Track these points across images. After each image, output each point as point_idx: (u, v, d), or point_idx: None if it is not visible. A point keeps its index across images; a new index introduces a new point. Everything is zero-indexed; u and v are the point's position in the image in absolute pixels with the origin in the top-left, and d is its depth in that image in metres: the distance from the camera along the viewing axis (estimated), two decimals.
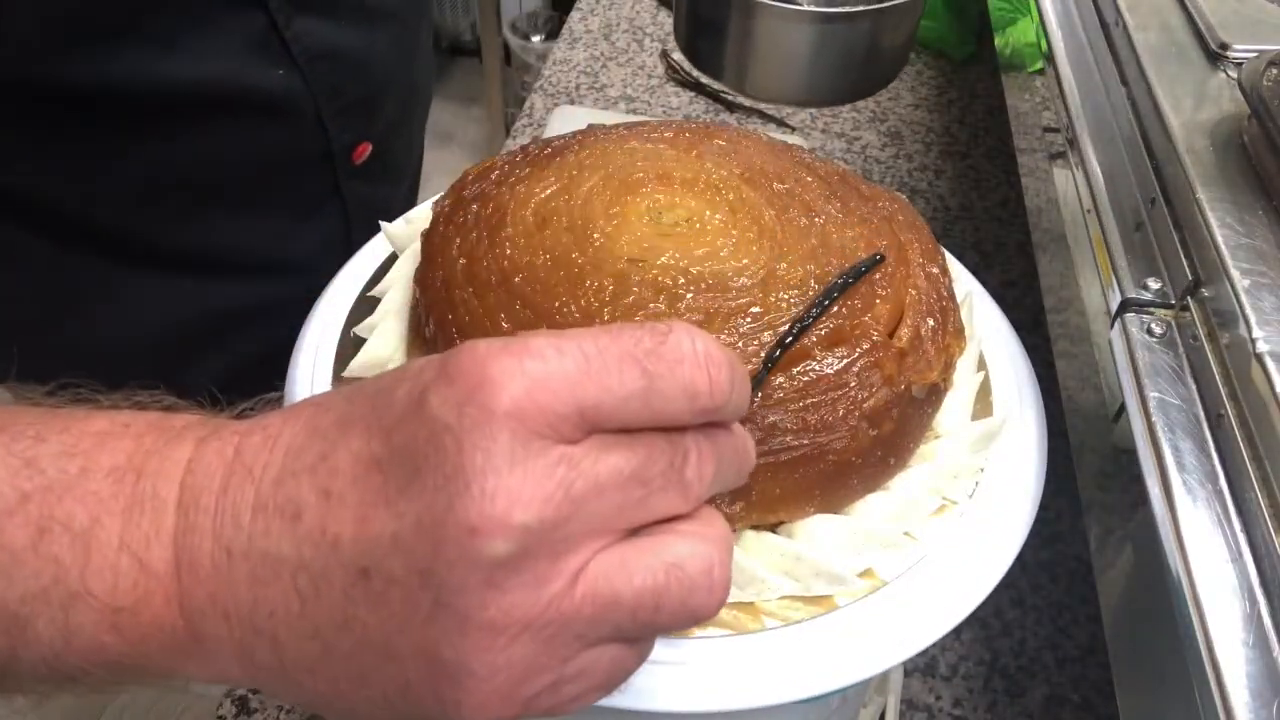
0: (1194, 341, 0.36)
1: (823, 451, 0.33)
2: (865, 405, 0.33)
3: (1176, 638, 0.29)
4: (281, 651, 0.24)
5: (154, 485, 0.25)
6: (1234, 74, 0.45)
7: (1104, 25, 0.52)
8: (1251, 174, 0.39)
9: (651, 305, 0.33)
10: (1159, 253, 0.40)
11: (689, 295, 0.34)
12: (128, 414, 0.27)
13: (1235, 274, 0.35)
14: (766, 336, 0.33)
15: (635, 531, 0.24)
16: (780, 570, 0.33)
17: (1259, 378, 0.32)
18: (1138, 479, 0.33)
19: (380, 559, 0.22)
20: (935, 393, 0.36)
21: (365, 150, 0.65)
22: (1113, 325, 0.38)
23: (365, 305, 0.42)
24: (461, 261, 0.36)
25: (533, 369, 0.22)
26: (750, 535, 0.33)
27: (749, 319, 0.33)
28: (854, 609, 0.33)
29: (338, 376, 0.39)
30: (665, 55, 1.07)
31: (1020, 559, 0.35)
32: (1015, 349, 0.43)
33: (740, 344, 0.33)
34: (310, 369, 0.39)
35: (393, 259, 0.44)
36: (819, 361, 0.33)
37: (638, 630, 0.24)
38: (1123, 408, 0.36)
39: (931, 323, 0.37)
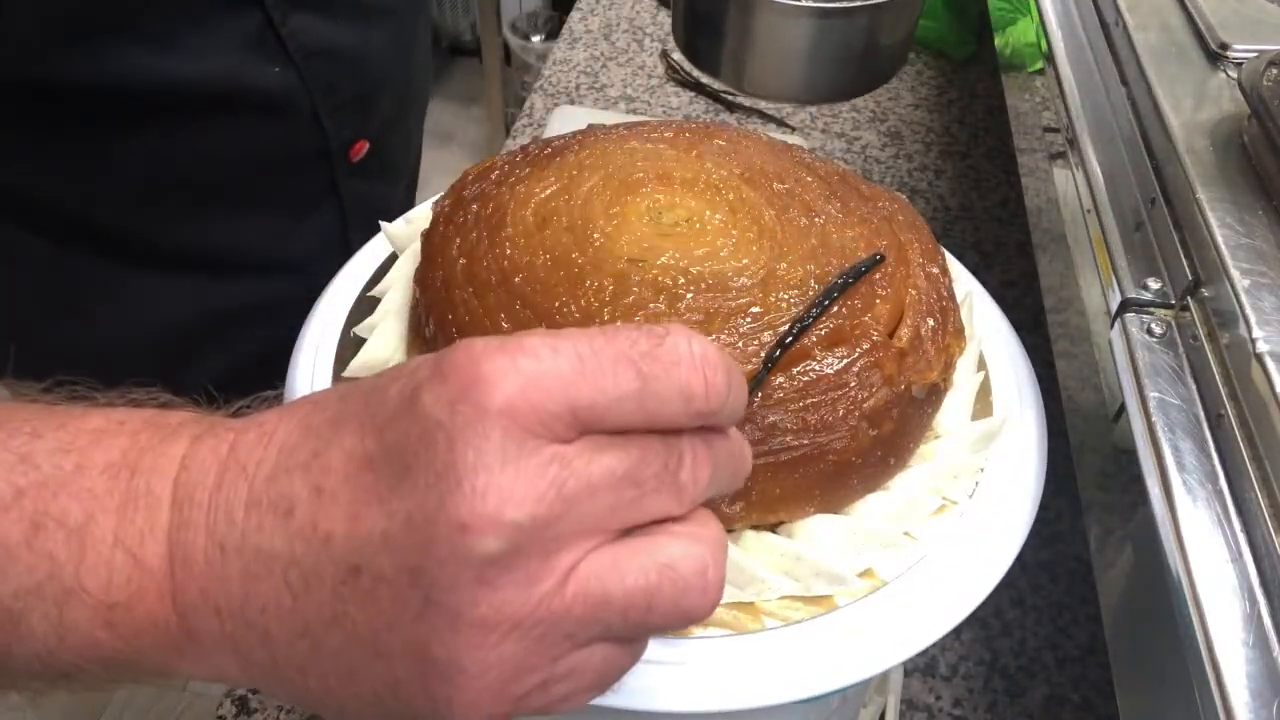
0: (1194, 341, 0.36)
1: (823, 451, 0.33)
2: (865, 405, 0.33)
3: (1176, 638, 0.29)
4: (273, 648, 0.24)
5: (149, 481, 0.25)
6: (1234, 74, 0.45)
7: (1104, 25, 0.52)
8: (1251, 174, 0.39)
9: (651, 305, 0.33)
10: (1159, 253, 0.40)
11: (689, 295, 0.34)
12: (123, 411, 0.27)
13: (1235, 274, 0.35)
14: (766, 336, 0.33)
15: (628, 532, 0.24)
16: (780, 570, 0.33)
17: (1259, 378, 0.32)
18: (1138, 479, 0.33)
19: (371, 556, 0.22)
20: (935, 393, 0.36)
21: (362, 148, 0.65)
22: (1113, 325, 0.38)
23: (365, 305, 0.42)
24: (461, 261, 0.36)
25: (527, 367, 0.22)
26: (750, 535, 0.33)
27: (749, 319, 0.33)
28: (854, 609, 0.33)
29: (338, 376, 0.39)
30: (665, 55, 1.07)
31: (1020, 559, 0.35)
32: (1015, 349, 0.43)
33: (740, 344, 0.33)
34: (310, 369, 0.39)
35: (393, 259, 0.44)
36: (819, 361, 0.33)
37: (629, 630, 0.24)
38: (1123, 408, 0.36)
39: (931, 323, 0.37)
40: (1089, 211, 0.45)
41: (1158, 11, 0.49)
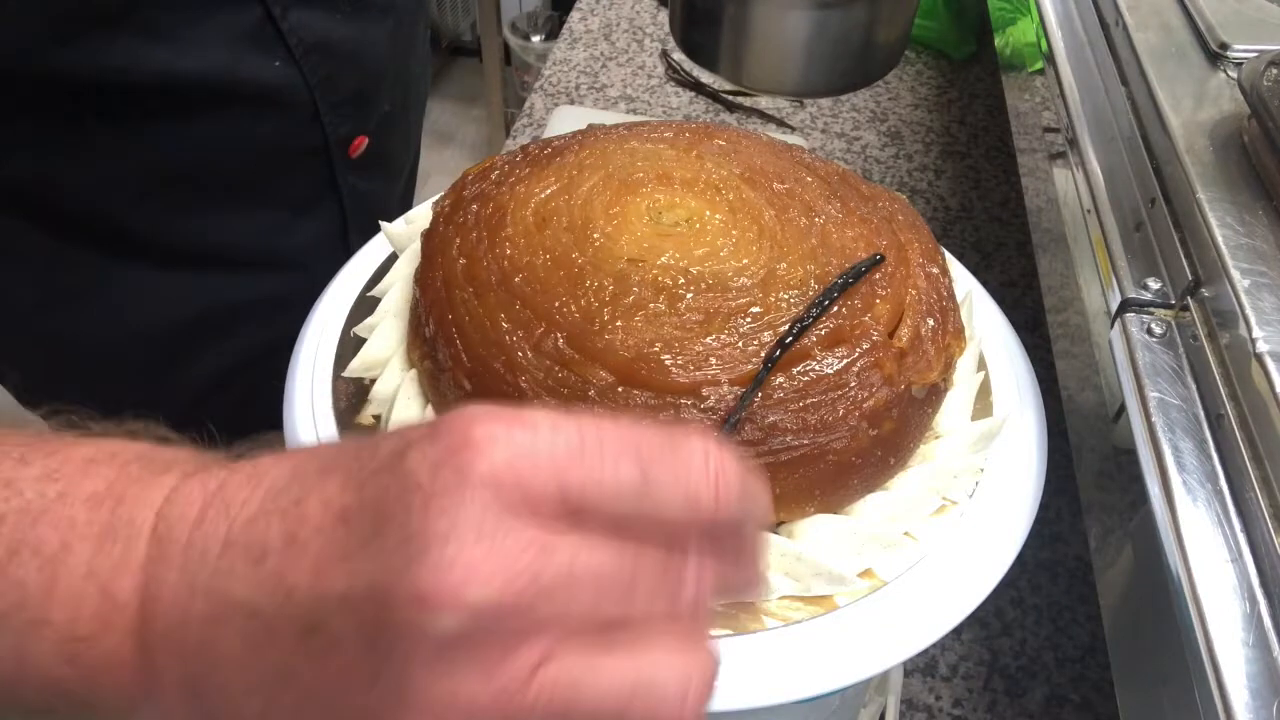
0: (1194, 341, 0.36)
1: (823, 451, 0.33)
2: (865, 405, 0.33)
3: (1176, 638, 0.29)
4: (229, 698, 0.23)
5: (131, 512, 0.24)
6: (1234, 74, 0.45)
7: (1104, 25, 0.52)
8: (1251, 174, 0.39)
9: (651, 305, 0.33)
10: (1159, 253, 0.40)
11: (689, 295, 0.34)
12: (117, 443, 0.26)
13: (1235, 274, 0.35)
14: (766, 336, 0.33)
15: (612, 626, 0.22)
16: (780, 570, 0.33)
17: (1259, 378, 0.32)
18: (1138, 479, 0.33)
19: (328, 616, 0.21)
20: (935, 393, 0.36)
21: (361, 144, 0.65)
22: (1113, 325, 0.38)
23: (365, 305, 0.42)
24: (461, 261, 0.36)
25: (520, 440, 0.21)
26: None
27: (749, 319, 0.33)
28: (854, 609, 0.33)
29: (337, 376, 0.39)
30: (665, 55, 1.07)
31: (1020, 559, 0.35)
32: (1015, 349, 0.43)
33: (740, 344, 0.33)
34: (310, 369, 0.39)
35: (393, 259, 0.44)
36: (819, 361, 0.33)
37: None
38: (1123, 408, 0.36)
39: (931, 323, 0.37)
40: (1089, 211, 0.45)
41: (1158, 11, 0.49)
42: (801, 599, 0.33)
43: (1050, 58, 0.55)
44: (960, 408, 0.39)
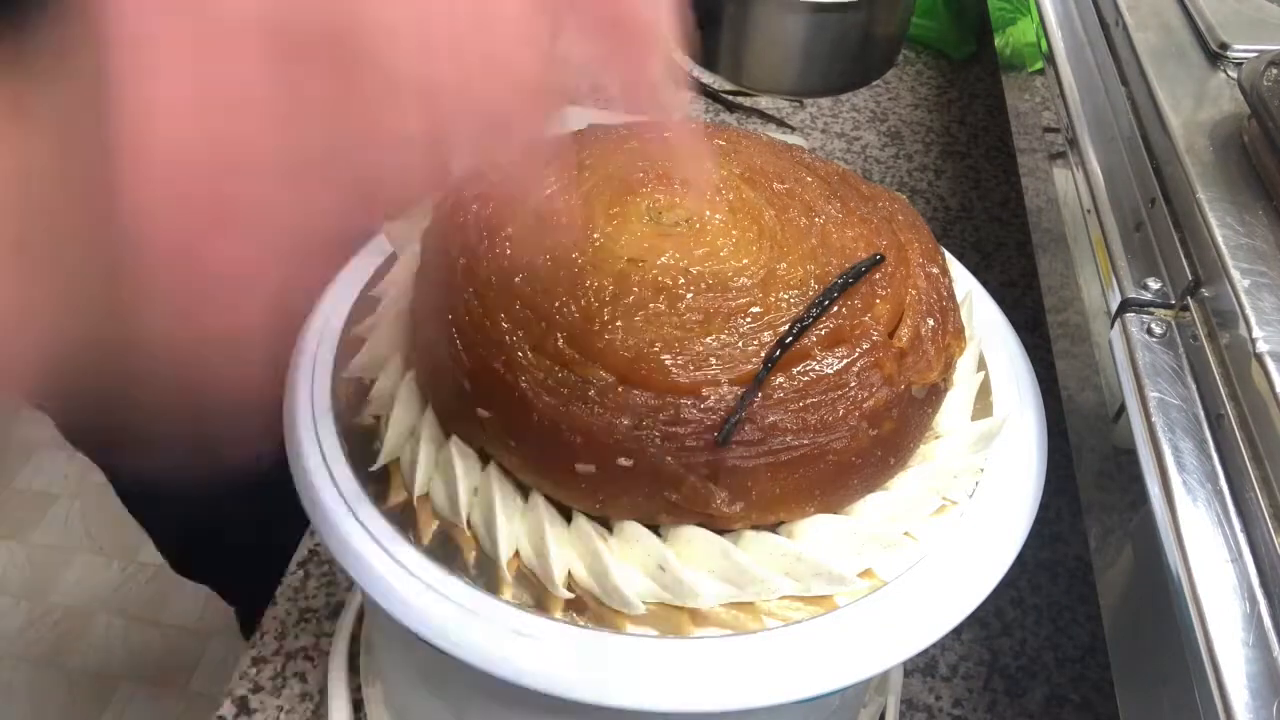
0: (1194, 341, 0.36)
1: (823, 451, 0.33)
2: (865, 405, 0.33)
3: (1176, 638, 0.29)
4: None
5: None
6: (1234, 74, 0.45)
7: (1104, 25, 0.52)
8: (1251, 174, 0.39)
9: (651, 305, 0.33)
10: (1159, 253, 0.40)
11: (689, 295, 0.34)
12: None
13: (1235, 274, 0.35)
14: (766, 336, 0.33)
15: None
16: (780, 570, 0.33)
17: (1259, 378, 0.32)
18: (1138, 479, 0.33)
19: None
20: (935, 393, 0.36)
21: None
22: (1113, 325, 0.38)
23: (365, 305, 0.42)
24: (461, 261, 0.36)
25: None
26: (750, 535, 0.33)
27: (749, 319, 0.33)
28: (854, 609, 0.33)
29: (337, 376, 0.39)
30: None
31: (1020, 559, 0.35)
32: (1015, 349, 0.43)
33: (740, 344, 0.33)
34: (310, 369, 0.39)
35: (393, 259, 0.44)
36: (819, 361, 0.33)
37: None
38: (1123, 408, 0.36)
39: (931, 323, 0.37)
40: (1089, 211, 0.45)
41: (1158, 11, 0.49)
42: (801, 599, 0.33)
43: (1050, 58, 0.55)
44: (960, 408, 0.39)
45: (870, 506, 0.35)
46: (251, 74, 0.19)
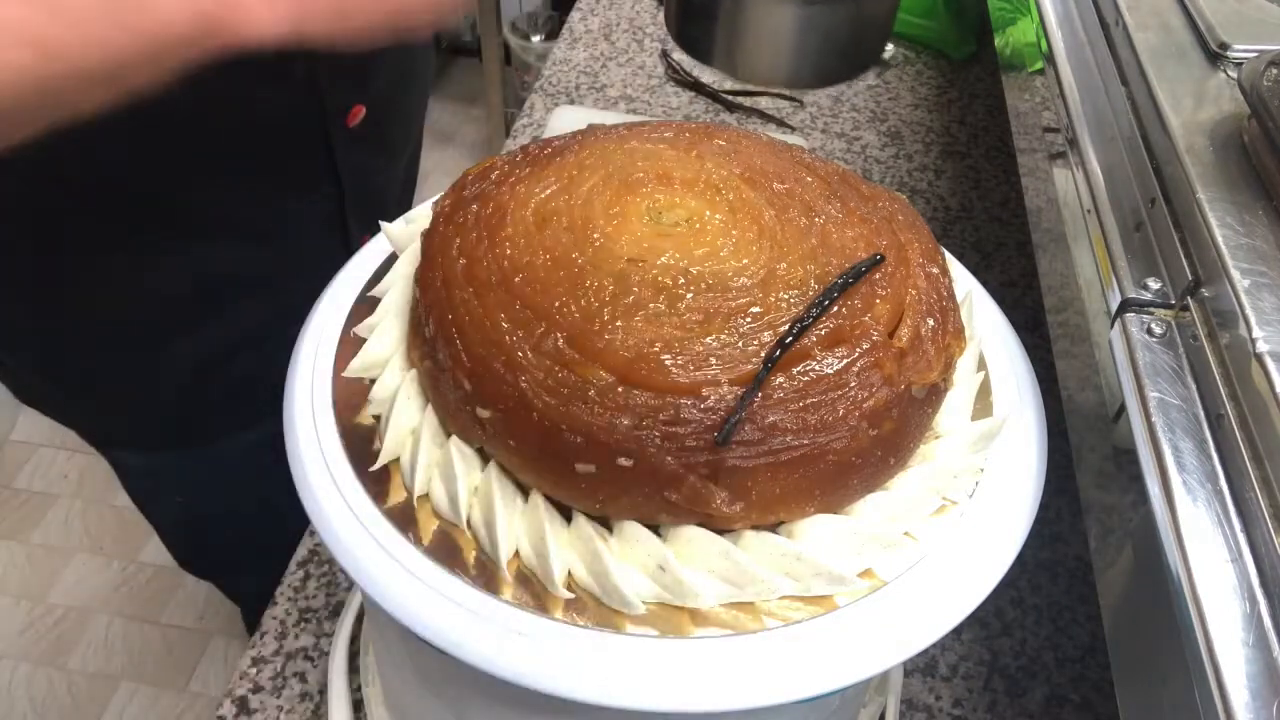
0: (1194, 341, 0.36)
1: (823, 451, 0.33)
2: (865, 405, 0.33)
3: (1176, 638, 0.29)
4: None
5: None
6: (1234, 74, 0.45)
7: (1104, 25, 0.52)
8: (1251, 174, 0.39)
9: (651, 305, 0.33)
10: (1159, 253, 0.40)
11: (689, 295, 0.34)
12: None
13: (1235, 274, 0.35)
14: (766, 336, 0.33)
15: None
16: (780, 570, 0.33)
17: (1259, 378, 0.32)
18: (1138, 479, 0.33)
19: None
20: (935, 393, 0.36)
21: (359, 113, 0.65)
22: (1113, 325, 0.38)
23: (365, 305, 0.42)
24: (461, 261, 0.36)
25: None
26: (750, 535, 0.33)
27: (749, 319, 0.33)
28: (854, 609, 0.33)
29: (338, 376, 0.39)
30: (665, 55, 1.06)
31: (1020, 559, 0.35)
32: (1015, 349, 0.43)
33: (740, 344, 0.33)
34: (310, 369, 0.39)
35: (393, 259, 0.44)
36: (819, 361, 0.33)
37: None
38: (1123, 408, 0.36)
39: (931, 323, 0.37)
40: (1089, 211, 0.45)
41: (1158, 11, 0.49)
42: (801, 599, 0.33)
43: (1050, 58, 0.55)
44: (960, 408, 0.39)
45: (870, 506, 0.35)
46: None
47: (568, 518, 0.34)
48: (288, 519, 0.51)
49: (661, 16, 1.13)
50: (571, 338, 0.33)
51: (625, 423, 0.31)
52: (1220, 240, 0.36)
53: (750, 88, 1.03)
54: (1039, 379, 0.41)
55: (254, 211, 0.64)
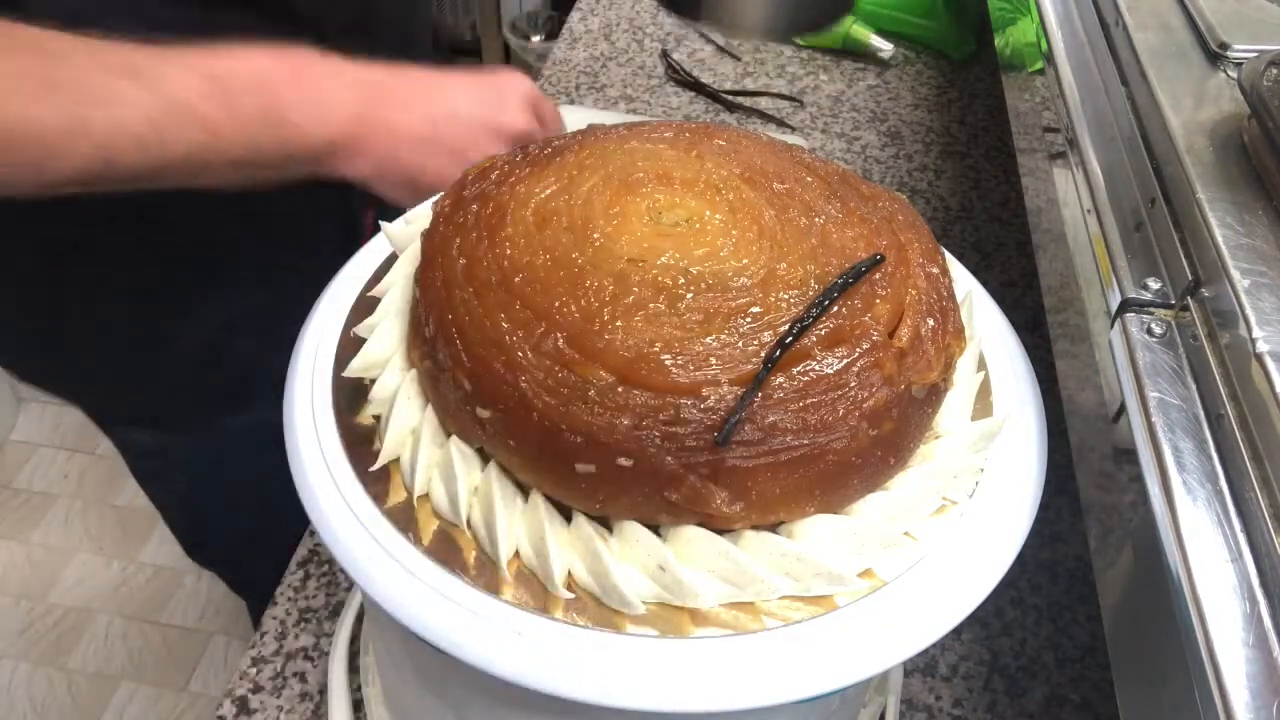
0: (1194, 341, 0.36)
1: (823, 451, 0.33)
2: (865, 405, 0.33)
3: (1176, 638, 0.29)
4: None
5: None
6: (1234, 74, 0.45)
7: (1104, 25, 0.52)
8: (1251, 174, 0.39)
9: (651, 305, 0.33)
10: (1159, 253, 0.40)
11: (689, 295, 0.34)
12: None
13: (1235, 274, 0.35)
14: (766, 336, 0.33)
15: None
16: (780, 570, 0.33)
17: (1259, 378, 0.32)
18: (1138, 479, 0.33)
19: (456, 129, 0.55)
20: (935, 393, 0.36)
21: None
22: (1113, 325, 0.38)
23: (365, 305, 0.42)
24: (461, 261, 0.36)
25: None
26: (750, 535, 0.33)
27: (749, 319, 0.33)
28: (854, 609, 0.33)
29: (338, 376, 0.39)
30: (665, 55, 1.06)
31: (1020, 559, 0.35)
32: (1015, 349, 0.43)
33: (740, 344, 0.33)
34: (310, 369, 0.39)
35: (393, 259, 0.44)
36: (819, 361, 0.33)
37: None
38: (1123, 408, 0.36)
39: (931, 323, 0.37)
40: (1089, 211, 0.45)
41: (1158, 11, 0.49)
42: (801, 599, 0.33)
43: (1050, 58, 0.55)
44: (960, 408, 0.39)
45: (870, 506, 0.35)
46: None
47: (568, 518, 0.34)
48: (291, 512, 0.52)
49: (661, 16, 1.13)
50: (571, 338, 0.33)
51: (625, 423, 0.31)
52: (1220, 240, 0.36)
53: (750, 88, 1.03)
54: (1039, 379, 0.41)
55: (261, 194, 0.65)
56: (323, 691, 0.54)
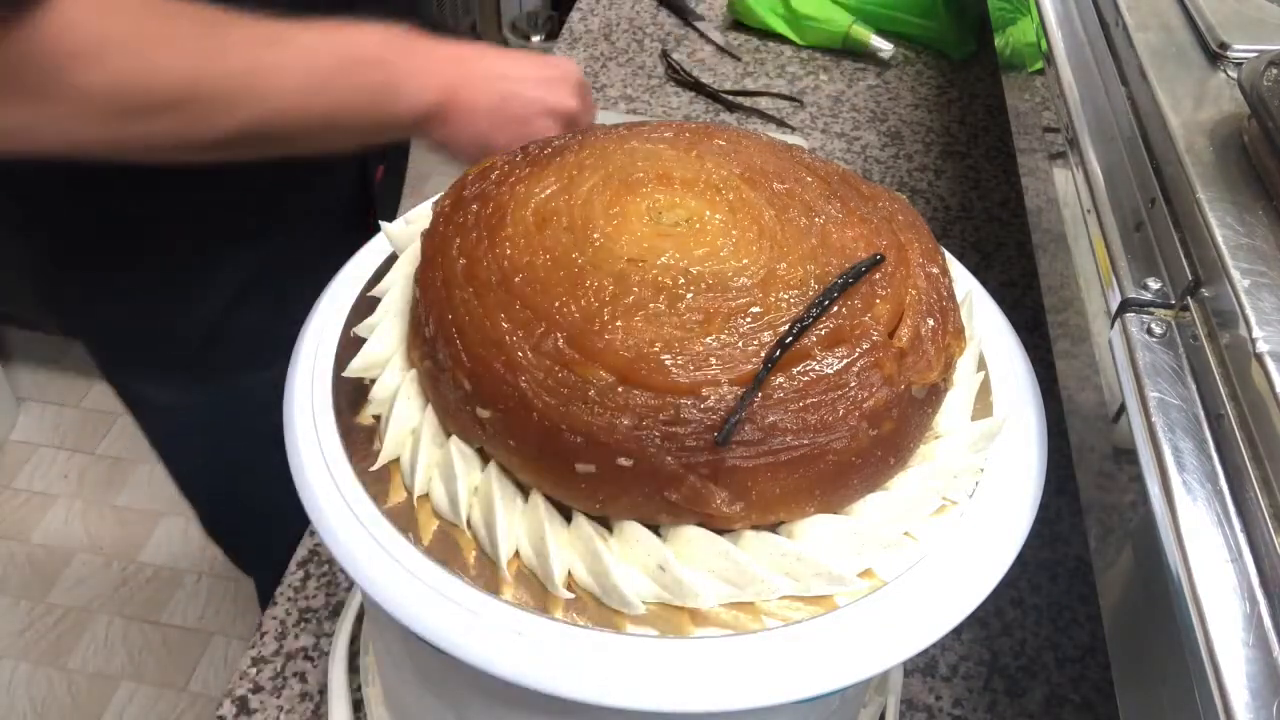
0: (1194, 341, 0.36)
1: (823, 451, 0.33)
2: (865, 405, 0.33)
3: (1176, 638, 0.29)
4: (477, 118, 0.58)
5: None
6: (1234, 74, 0.45)
7: (1104, 25, 0.52)
8: (1251, 174, 0.39)
9: (651, 305, 0.33)
10: (1159, 253, 0.40)
11: (689, 295, 0.34)
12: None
13: (1235, 274, 0.35)
14: (766, 336, 0.33)
15: None
16: (780, 570, 0.33)
17: (1259, 378, 0.32)
18: (1138, 479, 0.33)
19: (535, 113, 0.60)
20: (935, 393, 0.36)
21: None
22: (1113, 325, 0.38)
23: (365, 305, 0.42)
24: (461, 261, 0.36)
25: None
26: (750, 535, 0.33)
27: (749, 319, 0.33)
28: (854, 609, 0.33)
29: (338, 376, 0.39)
30: (665, 55, 1.06)
31: (1020, 559, 0.35)
32: (1015, 349, 0.43)
33: (740, 344, 0.33)
34: (310, 369, 0.39)
35: (393, 259, 0.44)
36: (819, 361, 0.33)
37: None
38: (1123, 408, 0.36)
39: (931, 323, 0.37)
40: (1089, 211, 0.45)
41: (1158, 11, 0.49)
42: (801, 599, 0.33)
43: (1050, 58, 0.55)
44: (960, 408, 0.39)
45: (870, 506, 0.35)
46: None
47: (568, 518, 0.34)
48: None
49: (661, 16, 1.13)
50: (571, 338, 0.33)
51: (625, 423, 0.31)
52: (1220, 240, 0.36)
53: (750, 88, 1.03)
54: (1039, 379, 0.41)
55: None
56: (323, 691, 0.54)
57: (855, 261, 0.36)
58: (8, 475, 1.72)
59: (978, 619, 0.60)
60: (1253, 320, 0.33)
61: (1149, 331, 0.37)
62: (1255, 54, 0.43)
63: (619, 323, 0.33)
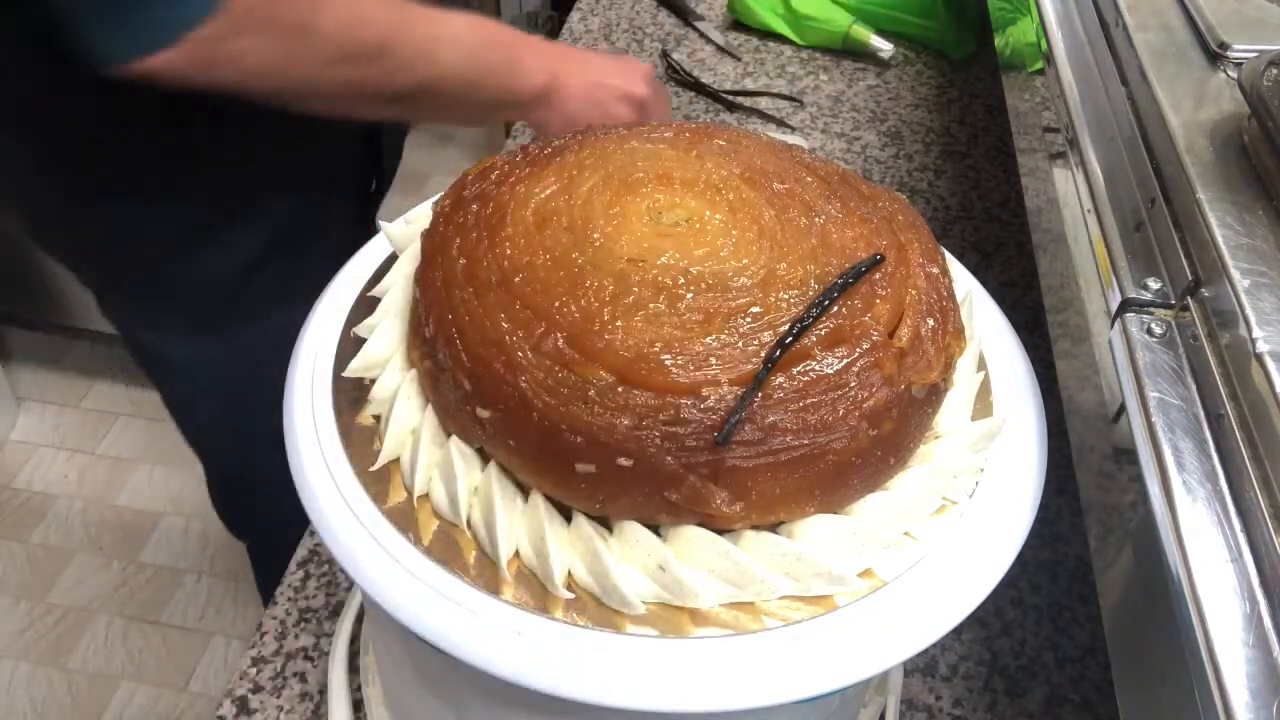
0: (1194, 341, 0.36)
1: (823, 451, 0.33)
2: (865, 405, 0.33)
3: (1176, 638, 0.29)
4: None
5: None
6: (1234, 74, 0.45)
7: (1104, 25, 0.52)
8: (1251, 174, 0.39)
9: (651, 305, 0.33)
10: (1159, 253, 0.40)
11: (689, 295, 0.34)
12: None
13: (1235, 274, 0.35)
14: (766, 336, 0.33)
15: None
16: (780, 570, 0.33)
17: (1259, 378, 0.32)
18: (1138, 479, 0.33)
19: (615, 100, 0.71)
20: (935, 393, 0.36)
21: None
22: (1113, 325, 0.38)
23: (365, 305, 0.42)
24: (461, 261, 0.36)
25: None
26: (750, 535, 0.33)
27: (749, 319, 0.33)
28: (854, 609, 0.33)
29: (338, 376, 0.39)
30: (665, 55, 1.06)
31: (1020, 559, 0.35)
32: (1015, 349, 0.43)
33: (740, 344, 0.33)
34: (310, 369, 0.39)
35: (393, 259, 0.44)
36: (819, 361, 0.33)
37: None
38: (1123, 408, 0.36)
39: (931, 323, 0.37)
40: (1089, 211, 0.45)
41: (1158, 11, 0.49)
42: (801, 599, 0.33)
43: (1050, 58, 0.55)
44: (960, 408, 0.39)
45: (870, 506, 0.35)
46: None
47: (568, 518, 0.34)
48: None
49: (661, 16, 1.13)
50: (571, 338, 0.33)
51: (625, 423, 0.31)
52: (1220, 240, 0.36)
53: (750, 88, 1.03)
54: (1039, 379, 0.41)
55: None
56: (323, 691, 0.54)
57: (855, 261, 0.36)
58: (8, 475, 1.72)
59: (978, 619, 0.60)
60: (1253, 320, 0.33)
61: (1149, 331, 0.37)
62: (1255, 54, 0.43)
63: (619, 323, 0.33)
